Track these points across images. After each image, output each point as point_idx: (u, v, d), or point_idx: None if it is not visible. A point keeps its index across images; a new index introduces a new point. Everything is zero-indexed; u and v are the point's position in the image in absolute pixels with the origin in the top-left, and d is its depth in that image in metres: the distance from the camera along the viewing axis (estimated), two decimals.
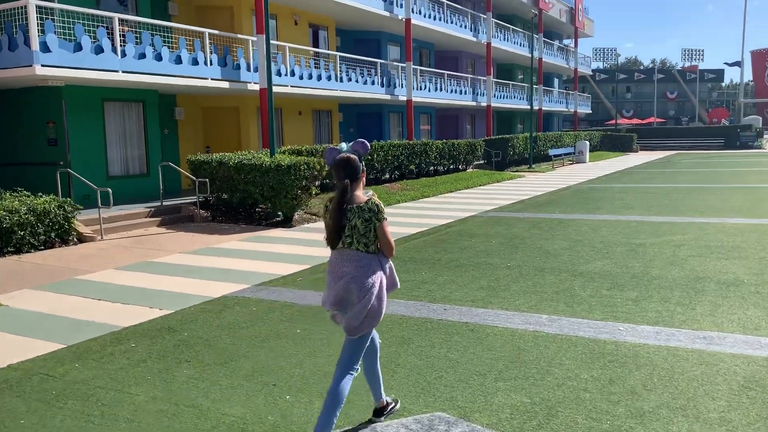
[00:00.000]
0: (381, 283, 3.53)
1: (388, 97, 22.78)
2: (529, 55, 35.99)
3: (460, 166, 25.30)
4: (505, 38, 32.98)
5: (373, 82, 21.80)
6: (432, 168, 23.08)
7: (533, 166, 28.82)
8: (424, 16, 24.72)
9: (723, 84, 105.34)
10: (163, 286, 7.71)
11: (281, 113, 19.78)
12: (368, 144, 3.64)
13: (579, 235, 10.51)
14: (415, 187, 18.93)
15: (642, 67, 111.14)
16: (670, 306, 6.24)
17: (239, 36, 16.21)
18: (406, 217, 13.51)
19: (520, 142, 29.16)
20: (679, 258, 8.45)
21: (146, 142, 15.42)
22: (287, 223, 12.85)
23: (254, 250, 10.07)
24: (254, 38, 16.02)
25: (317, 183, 13.52)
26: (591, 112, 54.67)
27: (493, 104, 31.81)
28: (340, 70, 20.15)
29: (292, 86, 17.77)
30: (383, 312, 3.54)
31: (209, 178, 13.55)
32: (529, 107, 36.41)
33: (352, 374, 3.53)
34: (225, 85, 15.57)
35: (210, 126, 18.51)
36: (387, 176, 20.28)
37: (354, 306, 3.44)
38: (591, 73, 54.27)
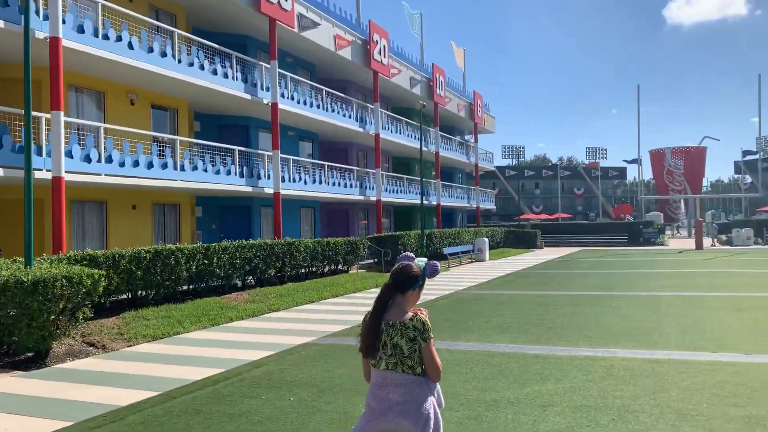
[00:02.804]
0: (435, 409, 3.23)
1: (250, 189, 19.81)
2: (426, 149, 34.45)
3: (340, 268, 22.30)
4: (397, 130, 31.25)
5: (229, 172, 18.82)
6: (303, 271, 19.94)
7: None
8: (298, 102, 22.36)
9: (627, 181, 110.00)
10: None
11: (105, 207, 16.31)
12: (438, 269, 3.45)
13: None
14: (266, 298, 15.60)
15: (550, 164, 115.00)
16: None
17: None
18: (204, 346, 10.09)
19: (412, 240, 26.63)
20: None
21: None
22: (38, 361, 9.16)
23: None
24: (48, 115, 12.74)
25: (89, 303, 9.97)
26: (494, 207, 53.84)
27: (385, 199, 29.48)
28: (183, 157, 17.09)
29: (107, 175, 14.45)
30: None
31: None
32: (425, 202, 34.47)
33: None
34: None
35: (5, 223, 14.77)
36: (238, 284, 16.93)
37: None
38: (494, 169, 53.89)
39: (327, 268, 21.46)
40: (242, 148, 20.05)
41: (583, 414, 6.08)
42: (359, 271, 23.79)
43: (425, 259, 3.40)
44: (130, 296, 13.33)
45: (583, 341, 9.78)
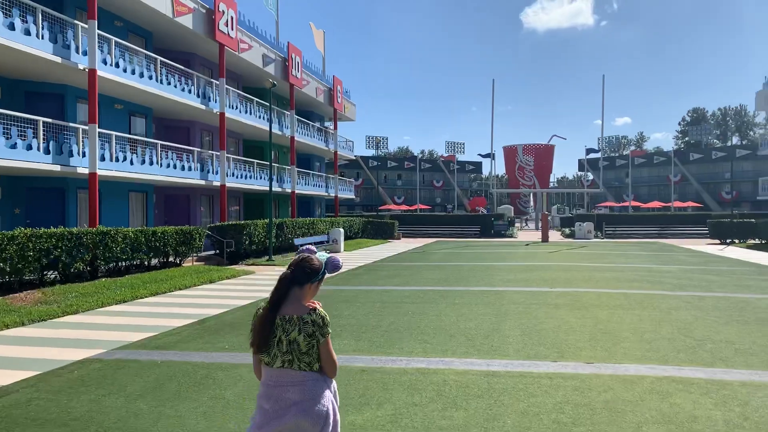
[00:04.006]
0: (333, 405, 3.07)
1: (58, 168, 16.92)
2: (280, 133, 32.56)
3: (172, 259, 19.94)
4: (247, 111, 29.02)
5: (30, 147, 15.86)
6: (124, 264, 17.43)
7: (273, 258, 24.42)
8: (125, 71, 19.59)
9: (483, 175, 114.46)
10: None
11: None
12: (340, 265, 3.24)
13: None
14: (65, 297, 13.12)
15: (410, 156, 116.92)
16: None
17: None
18: None
19: (260, 230, 24.73)
20: None
21: None
22: None
23: None
24: None
25: None
26: (354, 197, 53.02)
27: (232, 184, 27.24)
28: None
29: None
30: None
31: None
32: (279, 189, 32.66)
33: None
34: None
35: None
36: (35, 279, 14.22)
37: None
38: (354, 157, 52.95)
39: (155, 261, 19.06)
40: (48, 120, 17.04)
41: None
42: (196, 264, 21.53)
43: (326, 254, 3.23)
44: None
45: (418, 348, 8.64)
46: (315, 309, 3.06)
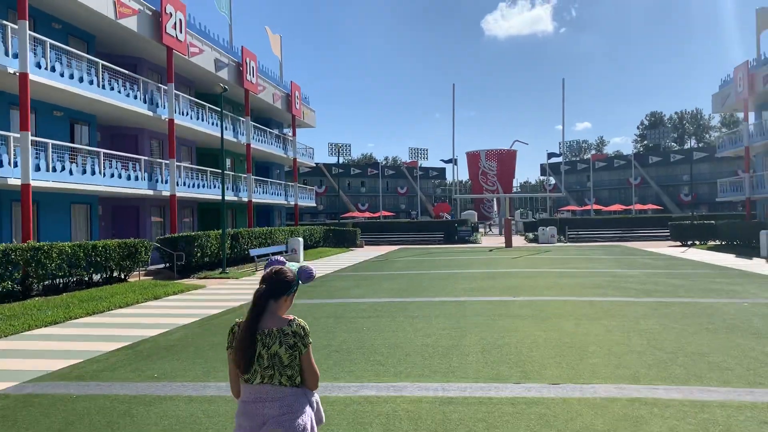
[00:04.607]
0: (312, 423, 3.00)
1: None
2: (235, 140, 31.49)
3: (117, 275, 18.75)
4: (200, 117, 27.89)
5: None
6: (61, 282, 16.22)
7: (227, 270, 23.32)
8: (62, 75, 18.39)
9: (447, 181, 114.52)
10: None
11: None
12: (313, 274, 3.15)
13: None
14: None
15: (373, 163, 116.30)
16: None
17: None
18: None
19: (213, 241, 23.63)
20: None
21: None
22: None
23: None
24: None
25: None
26: (316, 204, 52.02)
27: (183, 194, 26.06)
28: None
29: None
30: None
31: None
32: (235, 199, 31.57)
33: None
34: None
35: None
36: None
37: None
38: (314, 165, 51.99)
39: (98, 277, 17.87)
40: None
41: None
42: (144, 278, 20.35)
43: (297, 264, 3.13)
44: None
45: (369, 371, 7.84)
46: (294, 319, 3.00)
